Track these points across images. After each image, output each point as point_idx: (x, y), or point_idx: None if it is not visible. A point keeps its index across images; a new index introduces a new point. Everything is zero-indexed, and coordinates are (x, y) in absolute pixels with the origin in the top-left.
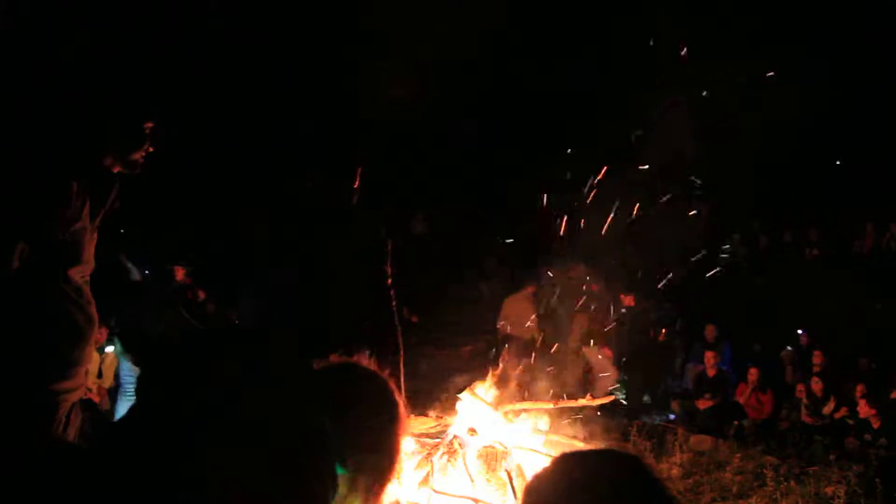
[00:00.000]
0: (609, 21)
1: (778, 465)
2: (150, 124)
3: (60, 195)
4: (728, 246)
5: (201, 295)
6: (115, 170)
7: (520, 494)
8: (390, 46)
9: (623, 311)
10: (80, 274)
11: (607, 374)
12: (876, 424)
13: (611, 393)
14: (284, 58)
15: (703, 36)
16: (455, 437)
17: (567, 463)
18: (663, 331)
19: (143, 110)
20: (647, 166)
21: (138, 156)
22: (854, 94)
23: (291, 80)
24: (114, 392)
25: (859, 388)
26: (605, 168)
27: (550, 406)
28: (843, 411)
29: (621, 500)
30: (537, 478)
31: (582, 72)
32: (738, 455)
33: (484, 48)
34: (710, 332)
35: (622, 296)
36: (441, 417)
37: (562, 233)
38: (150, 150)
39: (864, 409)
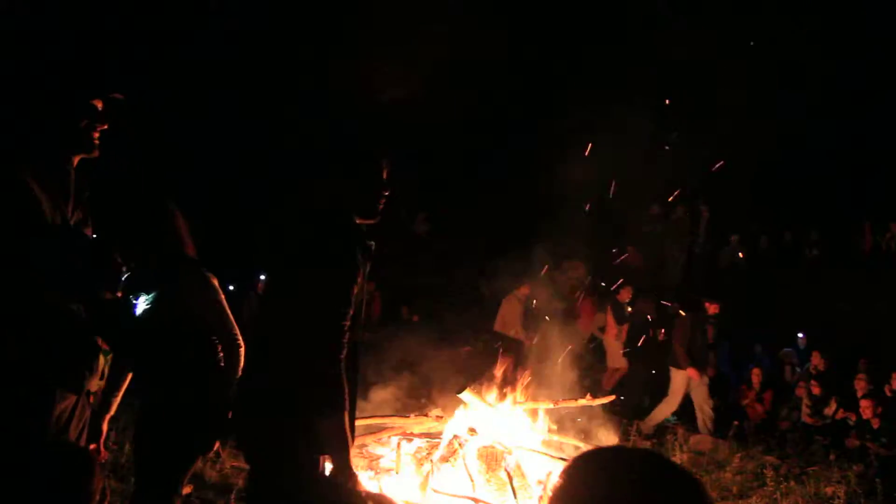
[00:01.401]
0: (608, 22)
1: (778, 465)
2: (95, 100)
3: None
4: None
5: None
6: (76, 158)
7: (521, 494)
8: (392, 45)
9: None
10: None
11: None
12: (876, 424)
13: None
14: (282, 57)
15: (703, 36)
16: (455, 437)
17: (592, 461)
18: (661, 330)
19: (78, 84)
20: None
21: (88, 133)
22: (854, 94)
23: (291, 80)
24: None
25: (860, 389)
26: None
27: (550, 406)
28: (842, 412)
29: (651, 495)
30: (563, 478)
31: (582, 71)
32: (738, 455)
33: (485, 47)
34: (709, 332)
35: (707, 303)
36: (441, 417)
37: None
38: (104, 127)
39: (866, 411)
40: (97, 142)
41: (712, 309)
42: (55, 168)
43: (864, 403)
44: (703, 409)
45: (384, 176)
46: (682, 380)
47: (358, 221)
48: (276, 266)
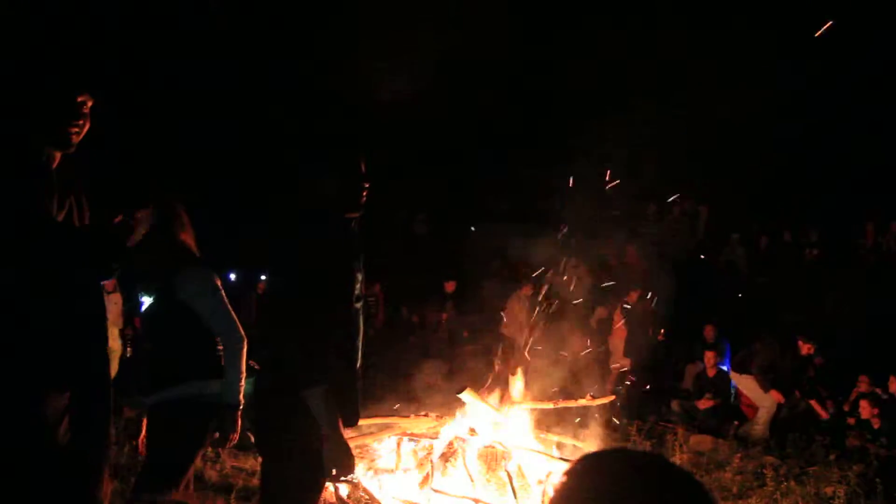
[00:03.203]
0: (607, 21)
1: (778, 466)
2: (83, 98)
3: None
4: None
5: None
6: (56, 152)
7: (521, 494)
8: (392, 45)
9: None
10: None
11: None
12: (876, 424)
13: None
14: (284, 56)
15: (703, 35)
16: (455, 437)
17: (595, 463)
18: (661, 331)
19: (71, 79)
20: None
21: (72, 130)
22: (853, 94)
23: (291, 79)
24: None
25: (860, 388)
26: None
27: (550, 406)
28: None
29: (651, 496)
30: (565, 479)
31: (581, 72)
32: (738, 455)
33: (485, 47)
34: (709, 332)
35: (801, 342)
36: (441, 417)
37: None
38: (86, 126)
39: (865, 410)
40: (74, 138)
41: (805, 349)
42: (35, 164)
43: (862, 403)
44: (764, 420)
45: (362, 169)
46: (766, 397)
47: (346, 215)
48: (274, 265)
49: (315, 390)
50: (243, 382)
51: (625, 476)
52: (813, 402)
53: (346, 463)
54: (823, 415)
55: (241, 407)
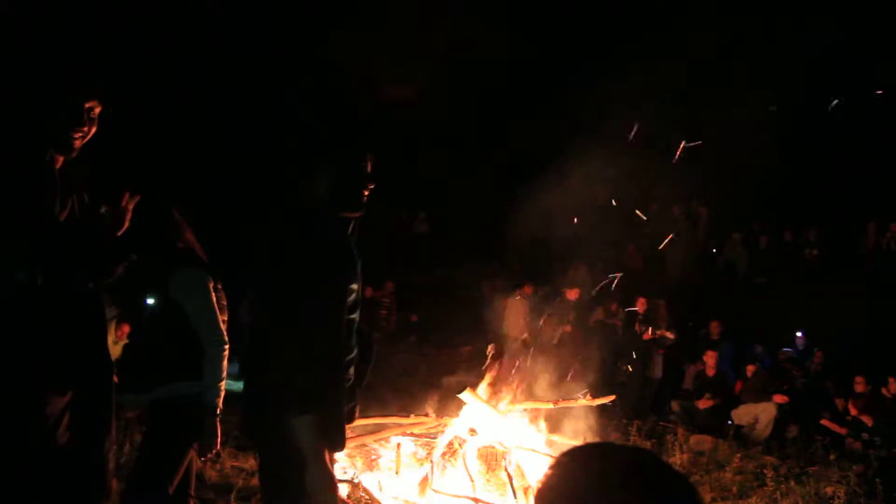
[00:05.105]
0: (610, 22)
1: (778, 465)
2: (91, 104)
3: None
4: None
5: None
6: (59, 157)
7: (521, 494)
8: (393, 45)
9: None
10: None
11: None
12: (869, 422)
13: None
14: (285, 56)
15: (703, 36)
16: (455, 437)
17: (580, 457)
18: (649, 329)
19: (81, 85)
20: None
21: (75, 135)
22: (854, 95)
23: (291, 79)
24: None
25: (857, 386)
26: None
27: (550, 406)
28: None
29: (640, 492)
30: (550, 472)
31: (583, 71)
32: (738, 455)
33: (486, 47)
34: (714, 328)
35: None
36: (441, 417)
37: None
38: (91, 132)
39: (853, 409)
40: (77, 143)
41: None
42: (37, 164)
43: (852, 401)
44: (767, 425)
45: (368, 168)
46: (766, 405)
47: (344, 215)
48: (272, 266)
49: (302, 420)
50: (223, 386)
51: (609, 469)
52: (825, 422)
53: (327, 495)
54: (841, 431)
55: (220, 412)
